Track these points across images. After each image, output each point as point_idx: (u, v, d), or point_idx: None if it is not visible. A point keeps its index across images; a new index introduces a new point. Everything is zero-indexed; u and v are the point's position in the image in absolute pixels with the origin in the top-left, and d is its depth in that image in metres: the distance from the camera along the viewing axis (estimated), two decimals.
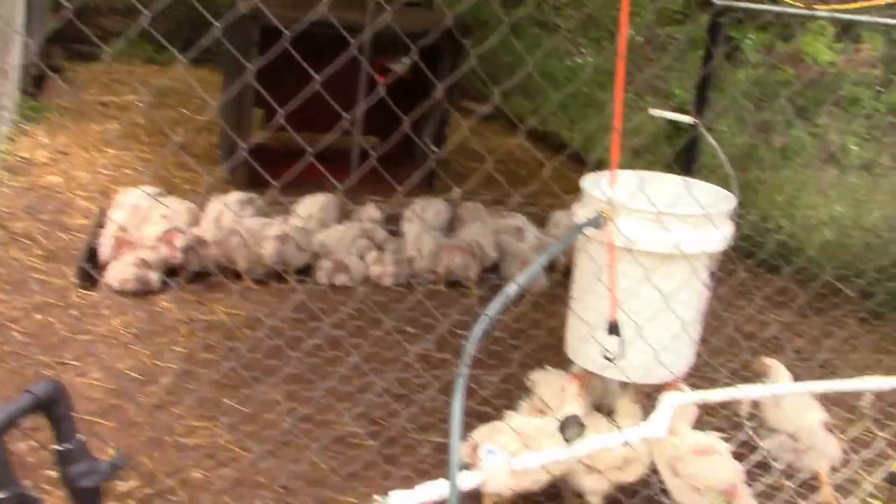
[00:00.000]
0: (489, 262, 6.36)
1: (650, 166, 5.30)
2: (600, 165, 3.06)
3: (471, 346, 2.64)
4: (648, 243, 3.08)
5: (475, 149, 10.02)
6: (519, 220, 6.69)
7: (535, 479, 3.53)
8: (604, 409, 4.01)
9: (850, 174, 8.49)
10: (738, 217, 3.52)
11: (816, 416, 4.03)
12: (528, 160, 9.64)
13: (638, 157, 8.72)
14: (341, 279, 5.92)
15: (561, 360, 4.24)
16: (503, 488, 3.26)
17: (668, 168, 3.50)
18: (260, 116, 7.60)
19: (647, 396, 3.82)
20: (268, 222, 5.94)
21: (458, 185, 7.37)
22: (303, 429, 4.11)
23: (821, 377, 3.74)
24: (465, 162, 9.36)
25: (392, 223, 6.59)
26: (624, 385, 3.75)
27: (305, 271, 6.02)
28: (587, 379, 3.82)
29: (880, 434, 3.81)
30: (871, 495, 3.80)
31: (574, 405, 3.56)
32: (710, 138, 3.28)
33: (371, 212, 6.53)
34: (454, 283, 6.09)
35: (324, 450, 3.98)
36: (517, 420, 3.70)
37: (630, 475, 3.72)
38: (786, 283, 4.41)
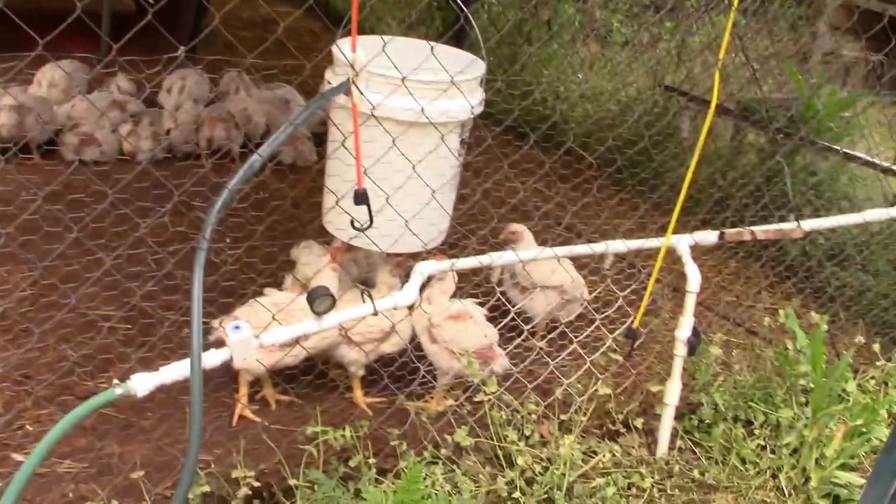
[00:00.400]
0: (258, 133, 6.14)
1: (423, 39, 5.21)
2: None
3: (211, 219, 2.51)
4: (393, 110, 3.01)
5: (244, 16, 9.51)
6: (286, 91, 6.45)
7: (292, 354, 3.50)
8: (370, 282, 4.03)
9: (613, 50, 8.84)
10: (489, 85, 3.53)
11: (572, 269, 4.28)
12: (300, 29, 9.27)
13: (412, 30, 8.61)
14: (91, 154, 5.47)
15: (308, 232, 4.18)
16: (253, 364, 3.20)
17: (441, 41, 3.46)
18: None
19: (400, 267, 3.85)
20: None
21: (224, 54, 6.95)
22: (32, 313, 3.84)
23: (566, 241, 3.92)
24: (233, 31, 8.86)
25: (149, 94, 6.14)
26: (386, 258, 3.75)
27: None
28: (345, 251, 3.79)
29: (620, 294, 4.07)
30: (612, 350, 4.09)
31: (327, 277, 3.53)
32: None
33: (121, 82, 6.04)
34: (219, 157, 5.82)
35: (61, 334, 3.74)
36: (276, 296, 3.63)
37: (391, 346, 3.78)
38: (533, 151, 4.54)
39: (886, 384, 4.46)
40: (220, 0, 8.21)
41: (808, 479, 3.74)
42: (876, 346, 4.65)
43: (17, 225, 2.78)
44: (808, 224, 4.09)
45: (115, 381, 2.41)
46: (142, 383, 2.46)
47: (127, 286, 3.71)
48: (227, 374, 3.73)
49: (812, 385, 3.94)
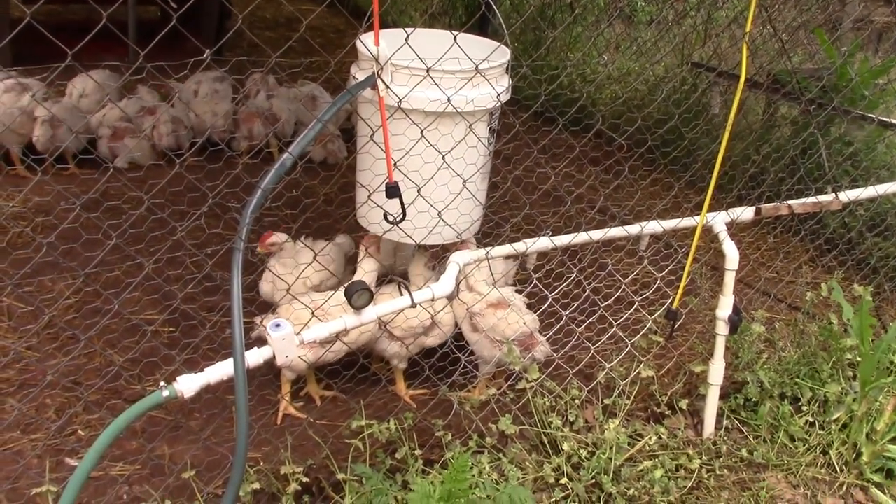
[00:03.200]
0: (288, 133, 6.19)
1: (447, 29, 5.20)
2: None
3: (246, 219, 2.53)
4: (420, 101, 3.01)
5: (268, 17, 9.56)
6: (313, 88, 6.48)
7: (332, 350, 3.52)
8: (404, 276, 4.03)
9: (639, 30, 8.76)
10: (515, 71, 3.51)
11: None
12: (324, 27, 9.31)
13: (435, 20, 8.60)
14: (122, 149, 5.56)
15: (342, 228, 4.21)
16: (295, 361, 3.22)
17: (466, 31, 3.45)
18: None
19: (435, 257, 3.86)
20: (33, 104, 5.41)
21: (250, 55, 7.00)
22: (78, 321, 3.90)
23: (600, 224, 3.89)
24: (257, 31, 8.92)
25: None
26: (420, 250, 3.76)
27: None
28: (376, 241, 3.80)
29: (658, 275, 4.03)
30: (653, 331, 4.06)
31: (368, 264, 3.54)
32: None
33: (143, 93, 6.12)
34: (253, 156, 5.91)
35: (107, 339, 3.79)
36: (314, 296, 3.65)
37: (434, 339, 3.79)
38: (563, 135, 4.49)
39: None
40: (244, 1, 8.26)
41: (859, 454, 3.69)
42: None
43: (57, 234, 2.82)
44: (847, 195, 4.02)
45: (162, 383, 2.44)
46: (187, 384, 2.48)
47: (168, 289, 3.77)
48: (271, 372, 3.77)
49: (859, 358, 3.89)
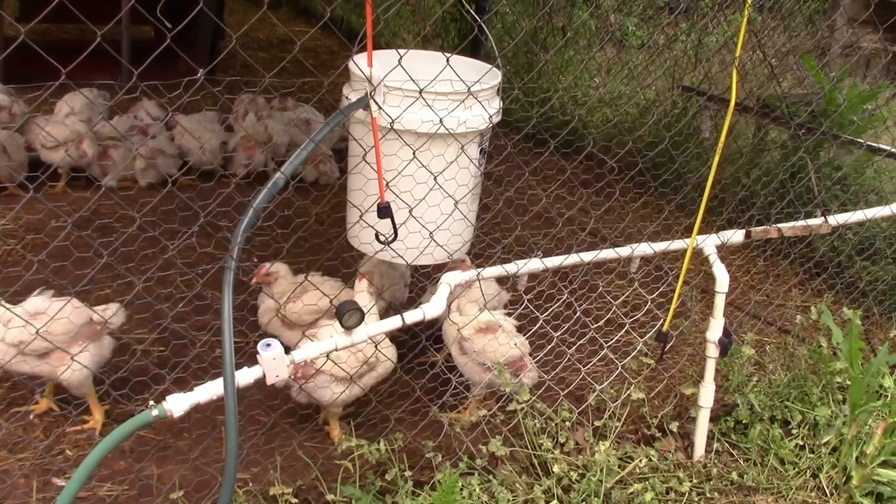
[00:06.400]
0: (282, 153, 6.19)
1: (439, 51, 5.25)
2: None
3: (238, 238, 2.53)
4: (412, 122, 3.03)
5: (261, 37, 9.60)
6: (307, 111, 6.49)
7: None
8: (393, 297, 4.03)
9: (630, 54, 8.83)
10: (507, 93, 3.53)
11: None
12: (317, 48, 9.34)
13: (428, 42, 8.65)
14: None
15: (334, 248, 4.20)
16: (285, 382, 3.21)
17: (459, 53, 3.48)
18: (15, 6, 6.90)
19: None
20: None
21: (243, 75, 7.02)
22: None
23: (591, 246, 3.90)
24: (250, 52, 8.95)
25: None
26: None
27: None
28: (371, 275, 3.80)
29: (649, 297, 4.05)
30: (643, 354, 4.06)
31: (363, 298, 3.53)
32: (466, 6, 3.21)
33: (150, 108, 6.11)
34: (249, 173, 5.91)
35: None
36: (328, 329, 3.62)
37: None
38: (554, 157, 4.52)
39: None
40: (237, 22, 8.30)
41: (849, 478, 3.69)
42: None
43: (48, 252, 2.82)
44: (836, 219, 4.05)
45: (151, 402, 2.43)
46: (177, 404, 2.47)
47: (158, 308, 3.75)
48: (260, 392, 3.75)
49: (848, 382, 3.89)
